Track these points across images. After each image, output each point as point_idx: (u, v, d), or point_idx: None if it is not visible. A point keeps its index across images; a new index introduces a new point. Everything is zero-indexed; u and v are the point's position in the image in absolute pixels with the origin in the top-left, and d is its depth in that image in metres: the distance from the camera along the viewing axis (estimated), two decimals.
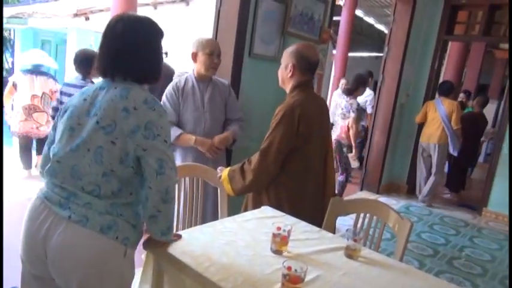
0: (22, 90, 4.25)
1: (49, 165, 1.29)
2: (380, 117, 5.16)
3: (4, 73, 8.81)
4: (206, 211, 2.39)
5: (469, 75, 9.04)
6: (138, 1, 5.27)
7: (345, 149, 4.27)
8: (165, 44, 1.41)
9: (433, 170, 4.84)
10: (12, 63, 9.20)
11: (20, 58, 7.84)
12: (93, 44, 7.57)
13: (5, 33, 9.20)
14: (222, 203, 2.10)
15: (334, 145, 4.30)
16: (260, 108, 3.05)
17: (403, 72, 4.97)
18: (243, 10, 2.78)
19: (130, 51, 1.28)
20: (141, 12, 2.97)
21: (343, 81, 6.73)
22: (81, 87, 2.91)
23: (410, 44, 4.92)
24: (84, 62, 3.15)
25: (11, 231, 1.79)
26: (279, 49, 3.07)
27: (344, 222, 3.32)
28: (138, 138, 1.22)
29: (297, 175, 2.03)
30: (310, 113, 2.02)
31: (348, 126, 4.16)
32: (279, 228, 1.45)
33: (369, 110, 5.71)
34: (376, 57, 11.10)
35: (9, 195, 3.42)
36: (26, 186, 4.14)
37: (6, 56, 9.44)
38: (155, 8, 7.89)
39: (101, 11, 8.00)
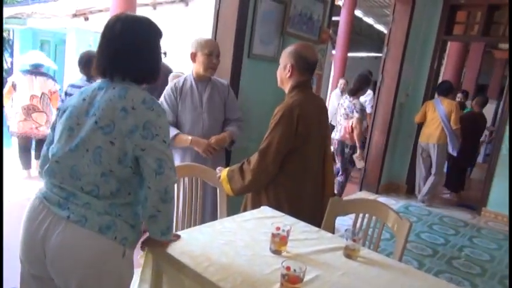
0: (21, 91, 4.25)
1: (48, 165, 1.29)
2: (379, 117, 5.17)
3: (3, 73, 8.80)
4: (205, 211, 2.39)
5: (468, 76, 9.05)
6: (138, 1, 5.28)
7: (347, 150, 4.27)
8: (164, 44, 1.41)
9: (433, 170, 4.84)
10: (12, 63, 9.19)
11: (19, 59, 7.84)
12: (92, 45, 7.56)
13: (4, 34, 9.19)
14: (221, 203, 2.10)
15: (336, 146, 4.30)
16: (259, 108, 3.05)
17: (402, 72, 4.97)
18: (242, 10, 2.78)
19: (129, 51, 1.28)
20: (140, 12, 2.96)
21: (341, 81, 6.76)
22: None
23: (409, 44, 4.93)
24: (89, 64, 3.17)
25: (11, 232, 1.79)
26: (278, 49, 3.07)
27: (343, 222, 3.33)
28: (137, 138, 1.22)
29: (296, 175, 2.04)
30: (309, 113, 2.02)
31: (351, 126, 4.15)
32: (278, 228, 1.45)
33: (368, 110, 5.72)
34: (376, 57, 11.10)
35: (8, 195, 3.41)
36: (26, 187, 4.14)
37: (5, 56, 9.43)
38: (154, 8, 7.90)
39: (100, 11, 8.01)
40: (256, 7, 2.86)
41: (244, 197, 2.18)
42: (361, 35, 12.10)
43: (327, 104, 5.09)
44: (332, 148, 4.19)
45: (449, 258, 3.48)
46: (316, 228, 1.75)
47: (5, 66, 9.18)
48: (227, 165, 2.58)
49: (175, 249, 1.39)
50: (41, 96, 4.31)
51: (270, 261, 1.39)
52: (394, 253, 1.83)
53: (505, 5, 4.53)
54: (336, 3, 4.56)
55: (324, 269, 1.38)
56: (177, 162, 2.39)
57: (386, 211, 1.87)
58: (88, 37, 7.95)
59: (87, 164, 1.23)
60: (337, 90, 6.75)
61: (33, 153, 4.55)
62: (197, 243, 1.47)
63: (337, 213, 1.96)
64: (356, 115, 4.10)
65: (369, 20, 11.06)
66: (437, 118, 4.72)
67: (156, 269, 1.43)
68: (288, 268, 1.20)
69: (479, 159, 7.44)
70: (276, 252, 1.45)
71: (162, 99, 2.46)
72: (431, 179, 4.88)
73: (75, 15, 8.32)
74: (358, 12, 9.72)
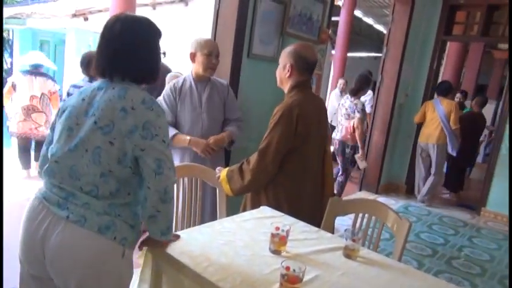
0: (21, 91, 4.25)
1: (47, 165, 1.29)
2: (379, 117, 5.17)
3: (3, 73, 8.79)
4: (205, 211, 2.39)
5: (467, 76, 9.06)
6: (137, 1, 5.28)
7: (347, 150, 4.27)
8: (164, 44, 1.41)
9: (433, 170, 4.85)
10: (11, 63, 9.19)
11: (19, 59, 7.84)
12: (92, 45, 7.56)
13: (4, 34, 9.19)
14: (220, 203, 2.10)
15: (337, 146, 4.30)
16: (258, 108, 3.05)
17: (401, 72, 4.98)
18: (241, 10, 2.78)
19: (128, 51, 1.28)
20: (139, 12, 2.97)
21: (341, 81, 6.76)
22: None
23: (409, 44, 4.93)
24: (91, 64, 3.17)
25: (11, 232, 1.79)
26: (278, 49, 3.07)
27: (343, 222, 3.33)
28: (136, 138, 1.22)
29: (295, 175, 2.04)
30: (308, 113, 2.02)
31: (353, 126, 4.15)
32: (277, 228, 1.45)
33: (368, 110, 5.72)
34: (375, 57, 11.10)
35: (8, 195, 3.41)
36: (25, 187, 4.14)
37: (5, 56, 9.42)
38: (154, 8, 7.90)
39: (100, 11, 8.01)
40: (256, 7, 2.86)
41: (243, 197, 2.18)
42: (360, 35, 12.11)
43: (326, 104, 5.09)
44: (333, 148, 4.19)
45: (448, 258, 3.48)
46: (316, 228, 1.75)
47: (4, 66, 9.18)
48: (227, 165, 2.58)
49: (174, 249, 1.39)
50: (40, 97, 4.31)
51: (270, 261, 1.39)
52: (393, 253, 1.83)
53: (505, 5, 4.54)
54: (335, 3, 4.56)
55: (323, 269, 1.38)
56: (176, 162, 2.39)
57: (386, 211, 1.87)
58: (88, 37, 7.94)
59: (87, 164, 1.23)
60: (337, 90, 6.75)
61: (32, 154, 4.55)
62: (197, 243, 1.47)
63: (337, 213, 1.96)
64: (357, 115, 4.09)
65: (369, 20, 11.07)
66: (436, 118, 4.72)
67: (155, 269, 1.43)
68: (287, 268, 1.20)
69: (479, 159, 7.44)
70: (276, 252, 1.45)
71: (161, 99, 2.45)
72: (430, 179, 4.89)
73: (74, 16, 8.32)
74: (357, 13, 9.72)
